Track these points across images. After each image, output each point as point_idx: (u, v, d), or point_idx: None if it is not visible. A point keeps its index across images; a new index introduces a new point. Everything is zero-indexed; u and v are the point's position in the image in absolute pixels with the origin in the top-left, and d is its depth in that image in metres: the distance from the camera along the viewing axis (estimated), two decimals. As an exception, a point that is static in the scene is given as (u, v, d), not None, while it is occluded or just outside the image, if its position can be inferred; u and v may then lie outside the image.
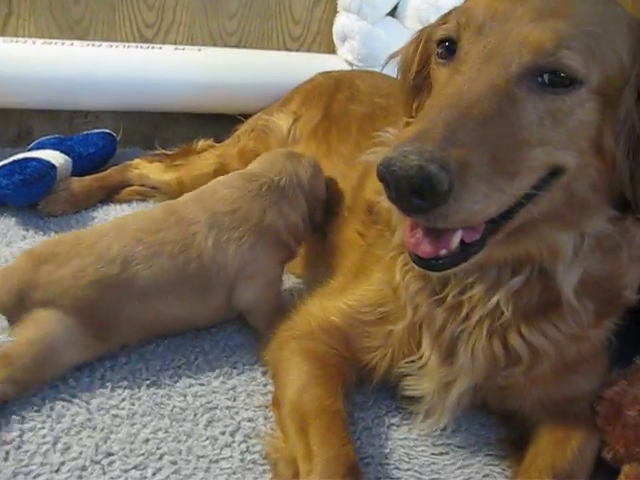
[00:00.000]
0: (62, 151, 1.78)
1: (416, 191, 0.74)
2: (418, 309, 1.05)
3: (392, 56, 1.13)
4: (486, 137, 0.78)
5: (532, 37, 0.82)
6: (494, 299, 0.97)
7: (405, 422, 1.15)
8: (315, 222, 1.43)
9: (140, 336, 1.23)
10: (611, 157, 0.89)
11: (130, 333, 1.20)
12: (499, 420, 1.17)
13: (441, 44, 0.93)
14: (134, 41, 2.09)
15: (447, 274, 0.98)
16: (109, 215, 1.74)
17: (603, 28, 0.86)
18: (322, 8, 2.20)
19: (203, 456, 1.03)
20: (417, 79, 1.07)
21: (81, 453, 1.00)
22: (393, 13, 2.16)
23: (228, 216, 1.28)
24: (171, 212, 1.27)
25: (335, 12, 2.17)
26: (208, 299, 1.26)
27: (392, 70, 1.17)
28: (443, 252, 0.83)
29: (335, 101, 1.68)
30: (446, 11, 1.06)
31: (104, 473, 0.97)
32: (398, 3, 2.14)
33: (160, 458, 1.01)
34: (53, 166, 1.68)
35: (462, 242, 0.84)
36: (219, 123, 2.07)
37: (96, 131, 1.95)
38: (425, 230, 0.84)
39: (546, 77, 0.82)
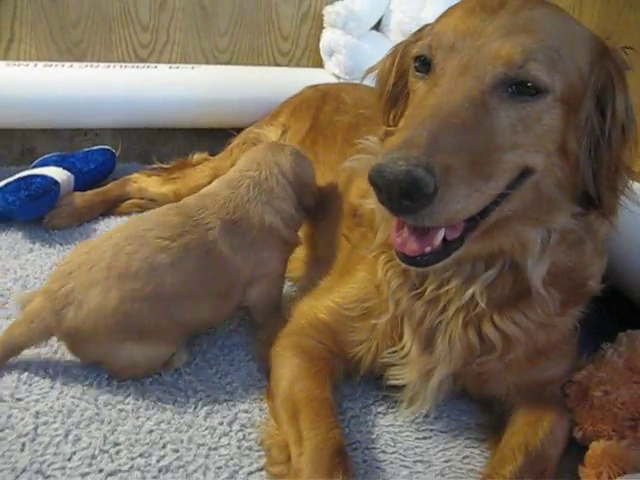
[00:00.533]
0: (64, 168, 1.86)
1: (405, 193, 0.82)
2: (399, 303, 1.13)
3: (370, 70, 1.22)
4: (465, 143, 0.86)
5: (503, 52, 0.91)
6: (469, 292, 1.06)
7: (391, 410, 1.23)
8: (306, 207, 1.48)
9: (186, 335, 1.30)
10: (575, 158, 0.98)
11: (179, 333, 1.26)
12: (479, 406, 1.25)
13: (417, 59, 1.02)
14: (130, 61, 2.18)
15: (430, 270, 1.06)
16: (110, 227, 1.82)
17: (564, 43, 0.95)
18: (309, 24, 2.30)
19: (203, 444, 1.11)
20: (394, 91, 1.16)
21: (90, 444, 1.08)
22: (377, 27, 2.26)
23: (235, 224, 1.33)
24: (187, 216, 1.29)
25: (322, 28, 2.26)
26: (230, 300, 1.33)
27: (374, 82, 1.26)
28: (428, 249, 0.91)
29: (322, 113, 1.77)
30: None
31: (112, 461, 1.05)
32: (382, 18, 2.24)
33: (163, 447, 1.09)
34: (56, 182, 1.76)
35: (444, 239, 0.93)
36: (213, 137, 2.16)
37: (96, 148, 2.03)
38: (411, 230, 0.92)
39: (515, 87, 0.91)
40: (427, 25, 1.11)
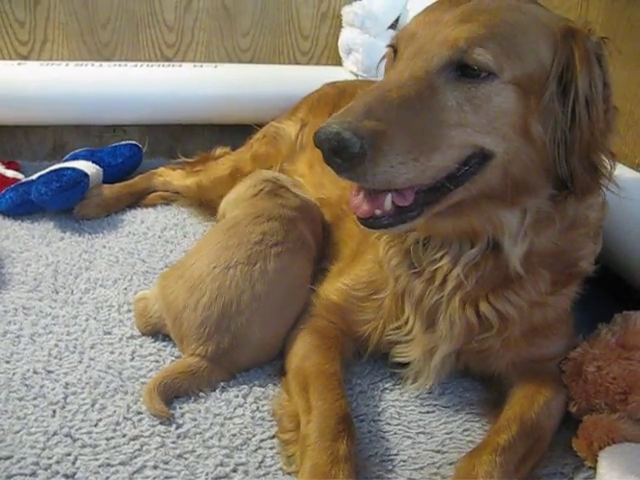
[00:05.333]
0: (93, 161, 1.96)
1: (334, 151, 0.91)
2: (399, 280, 1.20)
3: (383, 57, 1.29)
4: (403, 115, 0.93)
5: (450, 37, 0.98)
6: (454, 271, 1.12)
7: (397, 387, 1.29)
8: None
9: None
10: (541, 142, 1.02)
11: None
12: (481, 384, 1.31)
13: (390, 49, 1.11)
14: (156, 60, 2.28)
15: (388, 232, 1.16)
16: (136, 217, 1.92)
17: (520, 31, 1.00)
18: (329, 24, 2.37)
19: (219, 414, 1.18)
20: None
21: (115, 412, 1.17)
22: (395, 27, 2.32)
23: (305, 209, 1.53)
24: (280, 219, 1.42)
25: (341, 27, 2.33)
26: None
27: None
28: (378, 212, 0.99)
29: (338, 108, 1.83)
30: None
31: (135, 427, 1.13)
32: (399, 17, 2.30)
33: (182, 415, 1.17)
34: (86, 174, 1.86)
35: (399, 207, 0.99)
36: (235, 133, 2.22)
37: (123, 143, 2.12)
38: (363, 194, 1.00)
39: (461, 70, 0.97)
40: None
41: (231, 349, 1.24)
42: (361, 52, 2.20)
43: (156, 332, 1.36)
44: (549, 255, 1.13)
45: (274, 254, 1.32)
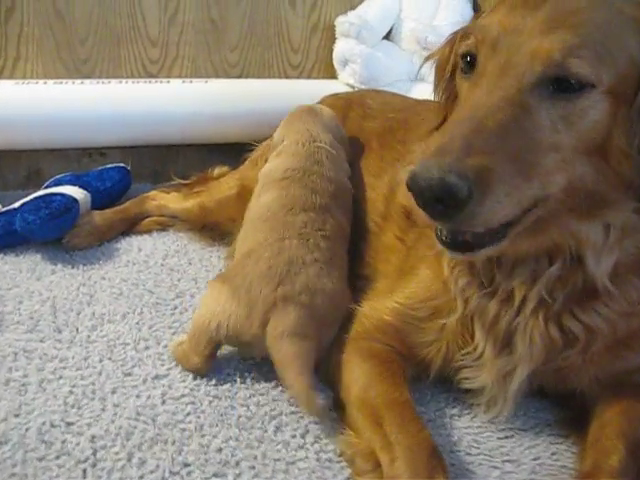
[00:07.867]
0: (80, 186, 1.78)
1: (439, 199, 0.81)
2: (469, 302, 1.08)
3: (428, 57, 1.19)
4: (503, 144, 0.84)
5: (541, 49, 0.87)
6: (535, 289, 1.02)
7: (465, 412, 1.17)
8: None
9: None
10: (620, 153, 0.92)
11: None
12: (554, 403, 1.20)
13: (463, 59, 0.99)
14: (139, 77, 2.13)
15: (474, 257, 1.03)
16: (132, 246, 1.75)
17: (611, 32, 0.90)
18: (319, 36, 2.29)
19: (279, 459, 1.03)
20: (451, 80, 1.12)
21: (158, 466, 1.00)
22: (387, 36, 2.26)
23: (337, 194, 1.48)
24: (313, 208, 1.37)
25: (332, 39, 2.25)
26: None
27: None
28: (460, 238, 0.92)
29: (348, 120, 1.73)
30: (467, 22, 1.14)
31: (185, 481, 0.98)
32: (392, 27, 2.23)
33: (237, 464, 1.02)
34: (76, 200, 1.69)
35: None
36: (225, 153, 2.11)
37: (110, 166, 1.95)
38: None
39: (556, 85, 0.87)
40: (474, 21, 1.08)
41: (306, 289, 1.18)
42: (359, 63, 2.12)
43: (216, 346, 1.21)
44: (637, 261, 1.03)
45: (321, 235, 1.31)
